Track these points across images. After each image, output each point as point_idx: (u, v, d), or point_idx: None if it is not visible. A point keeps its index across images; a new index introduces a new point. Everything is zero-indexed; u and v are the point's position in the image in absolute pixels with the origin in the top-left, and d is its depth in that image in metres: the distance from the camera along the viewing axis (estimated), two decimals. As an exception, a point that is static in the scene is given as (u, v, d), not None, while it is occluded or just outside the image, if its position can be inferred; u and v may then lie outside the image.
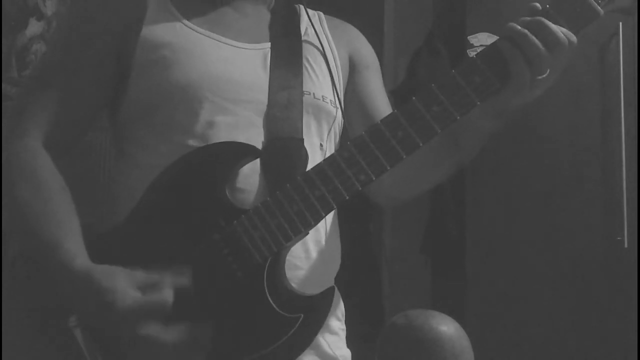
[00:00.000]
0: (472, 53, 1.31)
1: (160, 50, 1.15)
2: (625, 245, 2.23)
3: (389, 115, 1.06)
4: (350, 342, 1.28)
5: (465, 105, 1.03)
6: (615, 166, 2.28)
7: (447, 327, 1.80)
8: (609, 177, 2.31)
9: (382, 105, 1.34)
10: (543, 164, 2.45)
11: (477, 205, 2.62)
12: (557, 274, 2.38)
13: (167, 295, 0.99)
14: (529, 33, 1.01)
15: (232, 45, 1.20)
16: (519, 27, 1.02)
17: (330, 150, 1.25)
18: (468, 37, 1.34)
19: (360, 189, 1.04)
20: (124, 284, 0.98)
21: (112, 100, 1.19)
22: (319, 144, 1.21)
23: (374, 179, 1.04)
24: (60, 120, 1.13)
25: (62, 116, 1.14)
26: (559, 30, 1.01)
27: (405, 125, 1.03)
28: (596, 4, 1.03)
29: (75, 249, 1.02)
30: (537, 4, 1.04)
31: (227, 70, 1.17)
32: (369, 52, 1.38)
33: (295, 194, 1.04)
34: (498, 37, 1.08)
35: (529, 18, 1.03)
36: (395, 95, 2.90)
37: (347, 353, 1.24)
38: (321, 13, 1.37)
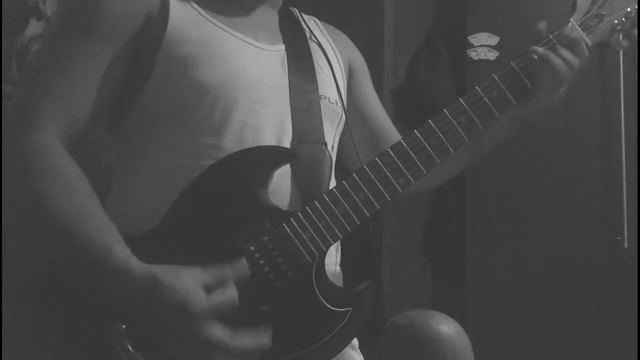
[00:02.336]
0: (472, 53, 1.34)
1: (190, 47, 1.12)
2: (625, 245, 2.23)
3: (423, 125, 1.16)
4: (350, 342, 1.28)
5: (489, 118, 1.18)
6: (615, 166, 2.28)
7: (447, 327, 1.80)
8: (609, 177, 2.31)
9: (378, 109, 1.42)
10: (543, 164, 2.45)
11: (477, 205, 2.62)
12: (557, 274, 2.38)
13: (234, 293, 1.00)
14: (552, 54, 1.19)
15: (254, 46, 1.19)
16: (542, 50, 1.19)
17: (336, 150, 1.29)
18: (468, 37, 1.36)
19: (400, 191, 1.13)
20: (194, 284, 0.97)
21: (124, 96, 1.14)
22: (332, 146, 1.25)
23: (412, 182, 1.14)
24: (73, 115, 1.08)
25: (75, 110, 1.08)
26: (570, 56, 1.20)
27: (439, 134, 1.15)
28: (586, 36, 1.22)
29: (126, 252, 0.99)
30: (543, 26, 1.23)
31: (254, 71, 1.16)
32: (361, 58, 1.44)
33: (341, 197, 1.11)
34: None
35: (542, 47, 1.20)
36: (395, 95, 2.90)
37: (355, 340, 1.27)
38: (315, 18, 1.38)
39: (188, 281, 0.97)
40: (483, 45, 1.37)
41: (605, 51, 2.34)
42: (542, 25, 1.23)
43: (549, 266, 2.40)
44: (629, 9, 1.24)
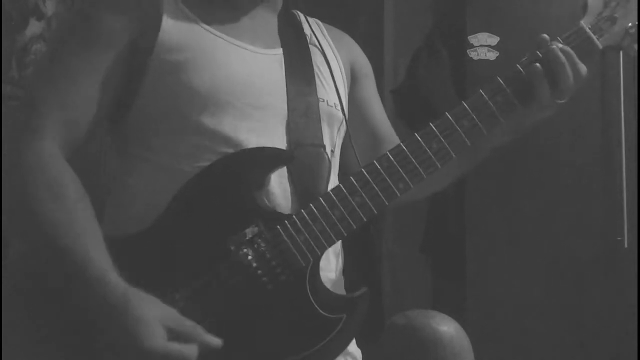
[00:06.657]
0: (472, 53, 1.34)
1: (181, 53, 1.13)
2: (625, 245, 2.23)
3: (424, 129, 1.13)
4: (350, 342, 1.28)
5: (492, 122, 1.14)
6: (615, 166, 2.28)
7: (447, 327, 1.80)
8: (609, 177, 2.31)
9: (379, 112, 1.41)
10: (543, 164, 2.45)
11: (477, 205, 2.62)
12: (557, 274, 2.38)
13: (192, 352, 0.98)
14: (567, 62, 1.12)
15: (249, 50, 1.19)
16: (560, 54, 1.12)
17: (338, 155, 1.27)
18: (468, 37, 1.35)
19: (399, 195, 1.10)
20: (158, 324, 0.97)
21: (121, 101, 1.16)
22: (331, 150, 1.23)
23: (412, 186, 1.11)
24: (73, 122, 1.10)
25: (75, 118, 1.10)
26: (581, 63, 1.14)
27: (440, 138, 1.12)
28: (597, 40, 1.18)
29: (106, 264, 1.00)
30: (546, 36, 1.15)
31: (248, 75, 1.16)
32: (366, 61, 1.42)
33: (337, 200, 1.09)
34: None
35: (560, 45, 1.14)
36: (395, 95, 2.90)
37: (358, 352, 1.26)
38: (318, 20, 1.37)
39: (153, 314, 0.97)
40: (483, 45, 1.36)
41: (605, 51, 2.34)
42: (545, 36, 1.17)
43: (549, 266, 2.40)
44: None
